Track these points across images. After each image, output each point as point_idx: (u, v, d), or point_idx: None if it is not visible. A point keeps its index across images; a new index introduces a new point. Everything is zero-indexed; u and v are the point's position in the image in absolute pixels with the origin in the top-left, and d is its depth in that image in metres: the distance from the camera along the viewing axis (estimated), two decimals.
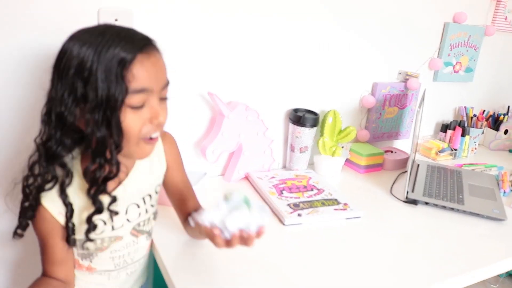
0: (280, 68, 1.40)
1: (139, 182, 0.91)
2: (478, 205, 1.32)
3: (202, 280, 0.90)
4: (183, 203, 1.03)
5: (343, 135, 1.49)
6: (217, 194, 1.26)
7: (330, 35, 1.45)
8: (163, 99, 0.81)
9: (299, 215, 1.15)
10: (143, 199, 0.93)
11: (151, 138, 0.81)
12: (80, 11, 1.05)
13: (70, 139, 0.77)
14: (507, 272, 2.44)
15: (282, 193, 1.26)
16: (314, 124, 1.41)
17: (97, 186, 0.78)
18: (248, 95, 1.36)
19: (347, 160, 1.55)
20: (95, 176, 0.77)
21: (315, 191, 1.30)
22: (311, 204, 1.21)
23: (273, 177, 1.36)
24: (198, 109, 1.30)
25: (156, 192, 0.98)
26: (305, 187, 1.32)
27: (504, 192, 1.46)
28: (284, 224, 1.12)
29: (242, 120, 1.31)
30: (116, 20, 1.12)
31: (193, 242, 1.03)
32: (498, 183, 1.52)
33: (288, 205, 1.19)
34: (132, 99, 0.73)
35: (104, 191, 0.79)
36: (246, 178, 1.38)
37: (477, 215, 1.28)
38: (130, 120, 0.75)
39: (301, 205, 1.20)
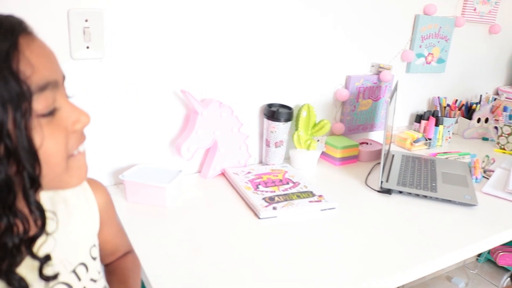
0: (253, 64, 1.41)
1: (76, 228, 0.72)
2: (450, 192, 1.35)
3: (176, 273, 0.91)
4: (113, 255, 0.92)
5: (318, 128, 1.51)
6: (194, 192, 1.28)
7: (302, 29, 1.47)
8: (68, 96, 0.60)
9: (274, 208, 1.16)
10: (89, 253, 0.73)
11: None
12: (48, 13, 1.05)
13: None
14: (485, 257, 2.50)
15: (258, 188, 1.27)
16: (288, 119, 1.43)
17: (10, 258, 0.54)
18: (221, 91, 1.37)
19: (323, 153, 1.57)
20: (6, 246, 0.53)
21: (291, 184, 1.32)
22: (286, 197, 1.23)
23: (249, 172, 1.37)
24: (172, 107, 1.31)
25: (94, 259, 0.74)
26: (280, 181, 1.34)
27: (476, 179, 1.50)
28: (259, 218, 1.14)
29: (216, 117, 1.32)
30: (86, 20, 1.13)
31: (169, 239, 1.03)
32: (470, 170, 1.56)
33: (264, 199, 1.21)
34: (38, 103, 0.52)
35: (22, 259, 0.56)
36: (223, 174, 1.39)
37: (449, 201, 1.31)
38: (48, 138, 0.54)
39: (276, 198, 1.22)
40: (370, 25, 1.65)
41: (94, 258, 0.74)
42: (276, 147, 1.45)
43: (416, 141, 1.78)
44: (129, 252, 0.97)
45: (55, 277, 0.62)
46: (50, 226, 0.61)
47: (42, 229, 0.57)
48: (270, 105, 1.45)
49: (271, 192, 1.25)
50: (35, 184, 0.53)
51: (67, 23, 1.10)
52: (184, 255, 0.97)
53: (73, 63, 1.12)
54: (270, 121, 1.42)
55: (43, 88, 0.53)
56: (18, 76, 0.50)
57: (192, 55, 1.29)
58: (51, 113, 0.55)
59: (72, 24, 1.11)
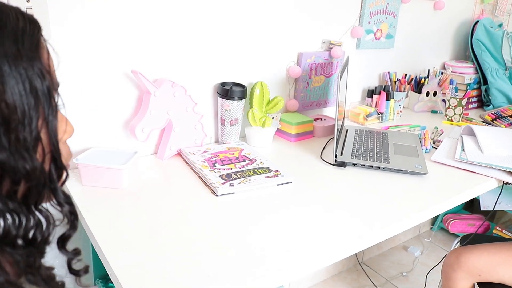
0: (205, 42, 1.40)
1: None
2: (402, 162, 1.40)
3: (135, 255, 0.91)
4: None
5: (272, 105, 1.52)
6: (151, 173, 1.27)
7: (253, 5, 1.47)
8: None
9: (231, 185, 1.17)
10: None
11: None
12: None
13: None
14: (438, 226, 2.61)
15: (215, 166, 1.28)
16: (242, 97, 1.43)
17: (40, 254, 0.54)
18: (173, 71, 1.36)
19: (278, 130, 1.59)
20: (35, 241, 0.52)
21: (247, 161, 1.33)
22: (243, 174, 1.24)
23: (205, 151, 1.37)
24: (123, 88, 1.29)
25: None
26: (237, 158, 1.34)
27: (426, 149, 1.55)
28: (216, 195, 1.15)
29: (170, 97, 1.31)
30: (28, 1, 1.09)
31: (127, 221, 1.03)
32: (420, 141, 1.61)
33: (220, 176, 1.21)
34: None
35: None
36: (179, 154, 1.39)
37: (401, 171, 1.35)
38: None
39: (233, 175, 1.23)
40: (320, 1, 1.66)
41: None
42: (231, 126, 1.45)
43: (368, 116, 1.83)
44: None
45: (86, 270, 0.61)
46: None
47: (74, 223, 0.57)
48: (223, 84, 1.45)
49: (228, 169, 1.26)
50: (62, 174, 0.54)
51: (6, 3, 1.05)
52: (142, 236, 0.97)
53: None
54: (224, 100, 1.42)
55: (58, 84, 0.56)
56: (49, 69, 0.52)
57: (142, 34, 1.27)
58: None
59: (12, 3, 1.07)
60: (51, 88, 0.51)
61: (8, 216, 0.49)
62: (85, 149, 1.24)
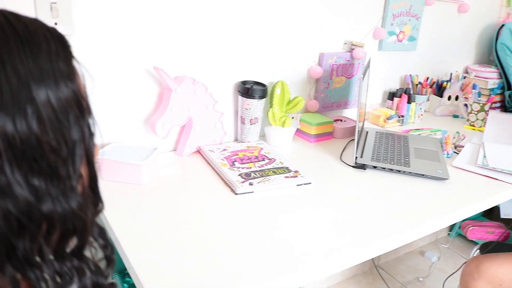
0: (226, 40, 1.40)
1: None
2: (423, 166, 1.37)
3: (154, 250, 0.91)
4: None
5: (292, 105, 1.51)
6: (170, 169, 1.27)
7: (277, 5, 1.46)
8: None
9: (251, 184, 1.16)
10: None
11: None
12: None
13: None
14: (456, 232, 2.57)
15: (234, 164, 1.27)
16: (262, 96, 1.42)
17: None
18: (195, 68, 1.35)
19: (298, 130, 1.58)
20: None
21: (267, 161, 1.32)
22: (262, 173, 1.23)
23: (225, 150, 1.37)
24: (145, 85, 1.29)
25: None
26: (256, 157, 1.34)
27: (447, 154, 1.53)
28: (236, 194, 1.14)
29: (190, 94, 1.30)
30: (54, 3, 1.09)
31: (146, 217, 1.03)
32: (441, 146, 1.59)
33: (240, 175, 1.21)
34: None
35: None
36: (198, 152, 1.38)
37: (422, 175, 1.33)
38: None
39: (252, 174, 1.22)
40: (343, 2, 1.65)
41: None
42: (251, 124, 1.44)
43: (389, 118, 1.81)
44: None
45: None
46: None
47: (111, 259, 0.54)
48: (244, 82, 1.44)
49: (247, 168, 1.25)
50: (98, 206, 0.52)
51: (34, 9, 1.07)
52: (161, 232, 0.97)
53: None
54: (244, 98, 1.41)
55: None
56: (86, 94, 0.50)
57: (164, 31, 1.27)
58: None
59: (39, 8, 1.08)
60: (89, 115, 0.49)
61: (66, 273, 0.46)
62: (106, 144, 1.24)
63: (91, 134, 0.49)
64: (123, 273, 1.33)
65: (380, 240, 1.00)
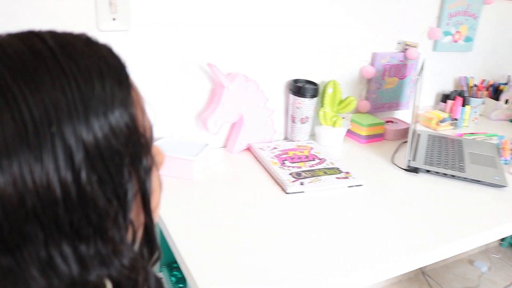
0: (279, 38, 1.39)
1: None
2: (479, 172, 1.32)
3: (202, 243, 0.91)
4: None
5: (344, 105, 1.49)
6: (220, 166, 1.28)
7: (330, 4, 1.44)
8: None
9: (301, 183, 1.15)
10: None
11: None
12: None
13: None
14: (508, 242, 2.47)
15: (284, 163, 1.26)
16: (314, 95, 1.40)
17: None
18: (247, 66, 1.35)
19: (348, 131, 1.55)
20: None
21: (317, 160, 1.30)
22: (313, 173, 1.22)
23: (275, 148, 1.36)
24: (198, 81, 1.30)
25: None
26: (306, 157, 1.32)
27: (505, 160, 1.47)
28: (286, 193, 1.13)
29: (243, 91, 1.30)
30: (111, 4, 1.12)
31: (197, 212, 1.03)
32: (498, 151, 1.53)
33: (290, 174, 1.20)
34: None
35: None
36: (248, 149, 1.38)
37: (478, 182, 1.28)
38: (155, 184, 0.47)
39: (303, 174, 1.21)
40: (398, 1, 1.61)
41: None
42: (301, 123, 1.43)
43: (442, 121, 1.75)
44: None
45: None
46: None
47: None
48: (295, 81, 1.43)
49: (298, 167, 1.24)
50: (155, 254, 0.46)
51: (95, 9, 1.09)
52: (211, 228, 0.97)
53: (99, 35, 1.10)
54: (296, 97, 1.40)
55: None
56: (144, 128, 0.42)
57: (218, 28, 1.27)
58: None
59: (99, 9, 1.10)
60: (144, 149, 0.41)
61: None
62: (158, 139, 1.26)
63: (147, 173, 0.42)
64: (171, 266, 1.34)
65: (430, 249, 0.96)
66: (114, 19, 1.14)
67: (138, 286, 0.41)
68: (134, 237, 0.42)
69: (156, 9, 1.18)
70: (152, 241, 0.44)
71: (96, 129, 0.36)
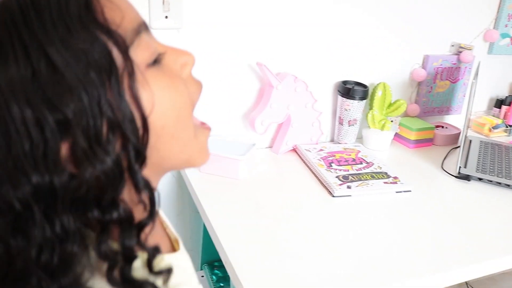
0: (329, 39, 1.37)
1: None
2: None
3: (246, 242, 0.92)
4: None
5: (393, 108, 1.45)
6: (266, 166, 1.27)
7: (381, 4, 1.41)
8: None
9: (349, 187, 1.13)
10: None
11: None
12: None
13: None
14: None
15: (331, 166, 1.24)
16: (363, 97, 1.38)
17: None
18: (296, 66, 1.34)
19: (396, 135, 1.52)
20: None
21: (364, 164, 1.28)
22: (360, 177, 1.19)
23: (321, 150, 1.34)
24: (246, 80, 1.30)
25: None
26: (353, 160, 1.30)
27: None
28: (333, 196, 1.12)
29: (291, 92, 1.29)
30: (164, 2, 1.13)
31: (242, 212, 1.03)
32: None
33: (337, 177, 1.18)
34: (140, 52, 0.42)
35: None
36: (294, 150, 1.37)
37: None
38: (165, 91, 0.44)
39: (350, 177, 1.19)
40: (452, 1, 1.55)
41: None
42: (349, 126, 1.41)
43: (495, 127, 1.69)
44: None
45: (169, 271, 0.46)
46: None
47: (151, 213, 0.44)
48: (344, 82, 1.41)
49: (345, 171, 1.22)
50: (140, 157, 0.42)
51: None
52: (256, 228, 0.98)
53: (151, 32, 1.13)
54: (344, 99, 1.38)
55: (138, 31, 0.42)
56: (108, 26, 0.39)
57: (268, 27, 1.27)
58: (158, 59, 0.44)
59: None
60: (114, 49, 0.39)
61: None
62: None
63: (121, 71, 0.39)
64: (212, 265, 1.35)
65: (478, 263, 0.93)
66: (166, 17, 1.15)
67: (123, 182, 0.40)
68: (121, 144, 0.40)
69: (208, 8, 1.19)
70: (140, 148, 0.42)
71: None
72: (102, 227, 0.40)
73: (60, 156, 0.37)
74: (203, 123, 0.53)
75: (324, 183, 1.16)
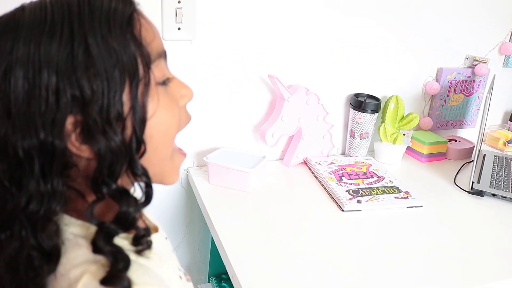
0: (341, 52, 1.36)
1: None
2: None
3: (254, 256, 0.92)
4: None
5: (406, 122, 1.44)
6: (276, 179, 1.27)
7: (394, 17, 1.40)
8: None
9: (359, 201, 1.13)
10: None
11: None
12: None
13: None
14: None
15: (341, 179, 1.24)
16: (375, 110, 1.37)
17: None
18: (308, 78, 1.34)
19: (408, 148, 1.50)
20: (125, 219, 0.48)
21: (375, 178, 1.27)
22: (371, 191, 1.18)
23: (332, 163, 1.34)
24: (257, 92, 1.30)
25: None
26: (364, 174, 1.29)
27: None
28: (343, 210, 1.11)
29: (302, 104, 1.29)
30: (179, 2, 1.13)
31: (251, 225, 1.03)
32: None
33: (347, 191, 1.17)
34: (157, 70, 0.51)
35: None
36: (305, 163, 1.37)
37: None
38: (164, 108, 0.51)
39: (360, 191, 1.18)
40: (467, 15, 1.54)
41: None
42: (361, 139, 1.40)
43: (510, 142, 1.66)
44: None
45: (149, 246, 0.52)
46: None
47: (148, 197, 0.51)
48: (357, 95, 1.40)
49: (355, 184, 1.21)
50: (140, 148, 0.48)
51: (161, 4, 1.12)
52: (264, 241, 0.97)
53: (164, 44, 1.13)
54: (356, 112, 1.37)
55: (160, 55, 0.52)
56: (141, 41, 0.48)
57: (280, 40, 1.27)
58: (165, 82, 0.53)
59: (166, 4, 1.12)
60: (139, 60, 0.47)
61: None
62: (215, 149, 1.27)
63: (139, 77, 0.48)
64: (220, 278, 1.35)
65: (493, 281, 0.91)
66: (179, 28, 1.16)
67: (121, 166, 0.47)
68: (127, 131, 0.48)
69: (221, 20, 1.19)
70: (139, 137, 0.48)
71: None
72: (98, 197, 0.47)
73: (64, 126, 0.45)
74: (180, 149, 0.60)
75: (334, 197, 1.16)
